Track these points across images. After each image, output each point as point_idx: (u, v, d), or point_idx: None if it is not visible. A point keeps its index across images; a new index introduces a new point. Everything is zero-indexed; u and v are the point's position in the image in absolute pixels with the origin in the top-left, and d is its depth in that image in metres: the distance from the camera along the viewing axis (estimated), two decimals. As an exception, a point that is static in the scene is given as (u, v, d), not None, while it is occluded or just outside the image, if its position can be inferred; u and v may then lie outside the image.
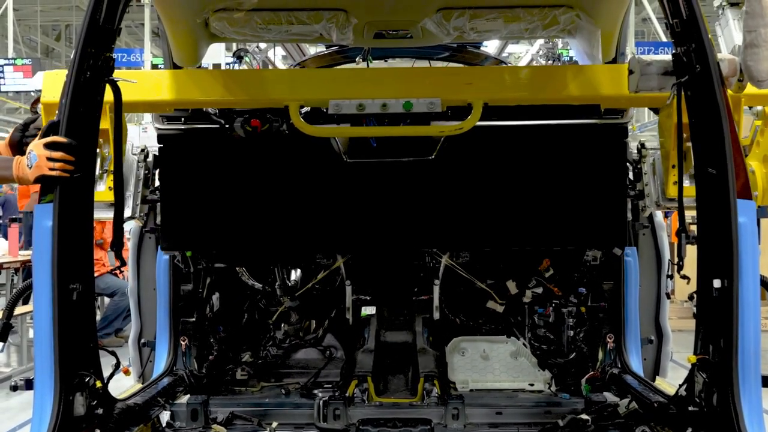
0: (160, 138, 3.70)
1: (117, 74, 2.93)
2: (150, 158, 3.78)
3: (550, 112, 3.69)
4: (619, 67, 3.40)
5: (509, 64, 6.07)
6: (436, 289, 4.17)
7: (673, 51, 2.82)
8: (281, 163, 3.68)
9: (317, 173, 3.70)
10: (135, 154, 3.69)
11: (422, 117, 3.35)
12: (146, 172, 3.73)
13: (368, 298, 4.35)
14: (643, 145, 3.66)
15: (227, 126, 3.58)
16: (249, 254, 4.22)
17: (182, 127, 3.72)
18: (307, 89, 3.27)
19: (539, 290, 4.32)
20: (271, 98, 3.41)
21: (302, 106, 3.45)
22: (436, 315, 4.19)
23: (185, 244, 3.90)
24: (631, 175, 3.77)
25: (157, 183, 3.80)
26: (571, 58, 11.10)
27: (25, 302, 7.76)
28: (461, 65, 4.21)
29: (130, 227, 4.16)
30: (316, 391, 4.00)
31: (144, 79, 3.38)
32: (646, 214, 3.76)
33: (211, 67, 16.80)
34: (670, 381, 3.97)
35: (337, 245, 4.00)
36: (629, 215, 3.77)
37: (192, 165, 3.73)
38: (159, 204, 3.76)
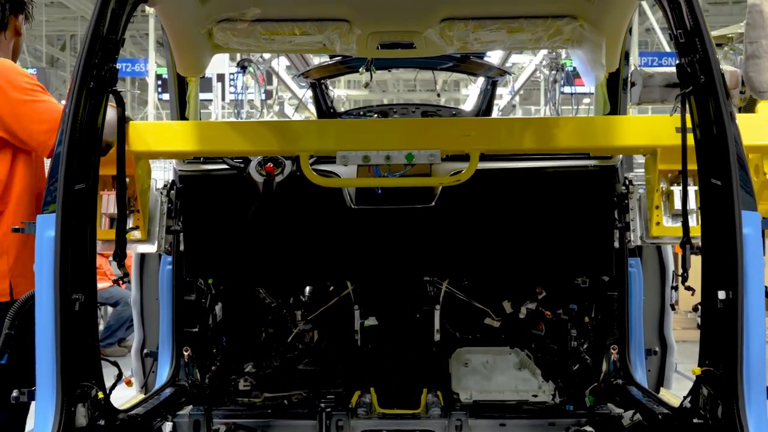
0: (181, 178, 3.86)
1: (139, 126, 3.24)
2: (173, 191, 3.85)
3: (543, 154, 3.88)
4: (610, 118, 3.61)
5: (512, 74, 6.15)
6: (437, 314, 4.26)
7: (677, 62, 2.82)
8: (293, 203, 3.88)
9: (326, 215, 3.94)
10: (158, 190, 3.72)
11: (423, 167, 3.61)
12: (170, 205, 3.80)
13: (375, 320, 4.39)
14: (630, 182, 3.75)
15: (243, 166, 3.78)
16: (266, 281, 4.37)
17: (201, 168, 3.93)
18: (317, 140, 3.43)
19: (533, 305, 4.35)
20: (284, 149, 3.57)
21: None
22: (437, 337, 4.28)
23: (207, 272, 4.10)
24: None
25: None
26: (574, 68, 11.10)
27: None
28: (460, 117, 4.42)
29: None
30: (318, 402, 3.99)
31: (164, 130, 3.52)
32: (631, 246, 3.82)
33: (215, 77, 16.92)
34: (675, 392, 3.95)
35: (346, 275, 4.22)
36: (617, 243, 3.85)
37: (211, 202, 3.96)
38: (182, 233, 3.89)
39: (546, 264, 4.03)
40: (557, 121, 3.50)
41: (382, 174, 3.60)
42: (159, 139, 3.36)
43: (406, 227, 3.95)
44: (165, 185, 3.80)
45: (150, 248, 3.61)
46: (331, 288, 4.46)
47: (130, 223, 3.40)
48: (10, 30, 3.46)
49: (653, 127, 3.27)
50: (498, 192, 3.90)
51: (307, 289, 4.58)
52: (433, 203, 3.87)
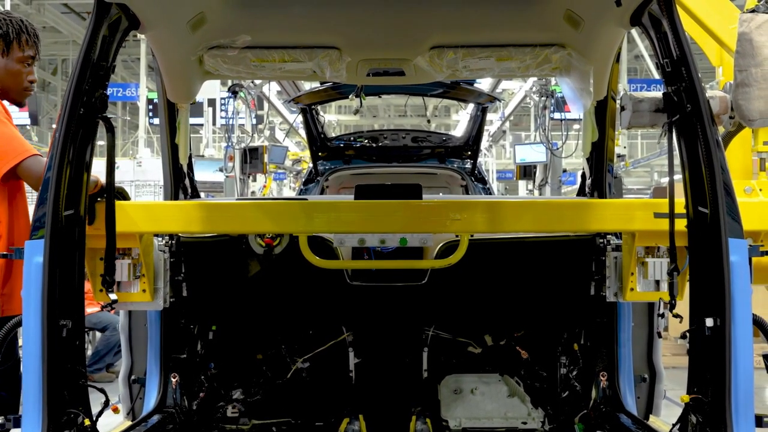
0: (182, 245, 3.91)
1: (139, 207, 3.37)
2: (174, 240, 3.86)
3: None
4: (592, 203, 3.68)
5: (502, 101, 6.22)
6: (425, 355, 4.29)
7: (664, 90, 2.85)
8: (292, 273, 4.03)
9: (324, 287, 4.12)
10: (162, 250, 3.71)
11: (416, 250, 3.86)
12: (173, 260, 3.80)
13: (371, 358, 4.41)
14: (608, 242, 3.77)
15: (243, 240, 3.97)
16: (264, 331, 4.45)
17: (203, 235, 3.99)
18: (313, 222, 3.51)
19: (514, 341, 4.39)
20: (281, 230, 3.75)
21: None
22: (425, 375, 4.29)
23: (211, 321, 4.21)
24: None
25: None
26: (563, 96, 11.17)
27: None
28: (452, 198, 4.67)
29: None
30: (307, 430, 3.96)
31: (161, 211, 3.56)
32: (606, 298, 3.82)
33: (205, 102, 16.96)
34: (664, 419, 3.95)
35: (342, 326, 4.32)
36: (593, 290, 3.88)
37: (213, 266, 4.10)
38: (185, 284, 3.94)
39: (527, 316, 4.27)
40: (544, 205, 3.61)
41: (377, 248, 3.84)
42: (157, 221, 3.44)
43: (399, 300, 4.18)
44: (166, 243, 3.79)
45: (156, 307, 3.67)
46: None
47: (136, 287, 3.49)
48: None
49: (632, 211, 3.34)
50: (485, 261, 4.03)
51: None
52: (425, 280, 4.03)
